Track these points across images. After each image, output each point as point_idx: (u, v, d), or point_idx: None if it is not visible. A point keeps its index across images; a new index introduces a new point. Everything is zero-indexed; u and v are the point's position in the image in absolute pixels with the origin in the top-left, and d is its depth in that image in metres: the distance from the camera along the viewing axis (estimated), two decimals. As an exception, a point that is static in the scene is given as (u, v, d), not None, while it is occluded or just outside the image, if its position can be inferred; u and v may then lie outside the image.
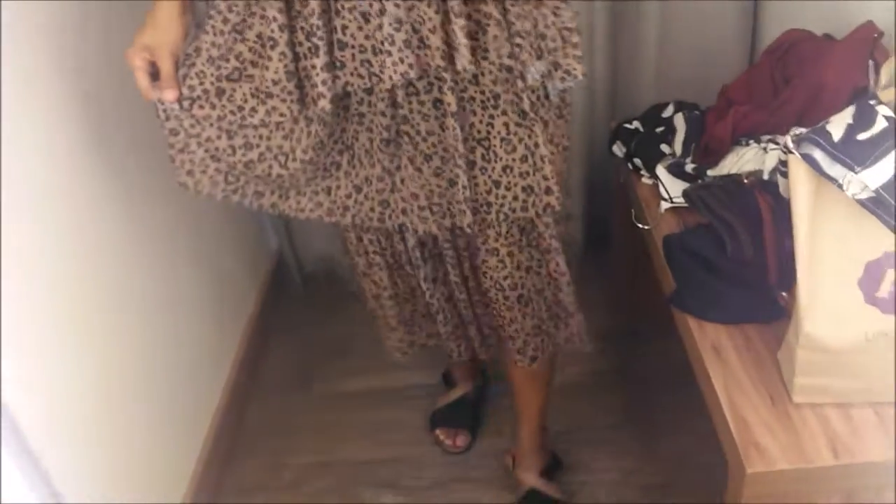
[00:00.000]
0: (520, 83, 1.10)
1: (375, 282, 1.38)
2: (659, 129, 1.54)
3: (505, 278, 1.26)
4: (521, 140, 1.14)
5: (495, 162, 1.15)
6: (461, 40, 1.03)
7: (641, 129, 1.58)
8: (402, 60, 1.02)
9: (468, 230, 1.20)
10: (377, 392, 1.83)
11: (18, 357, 1.07)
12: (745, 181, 1.25)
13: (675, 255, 1.19)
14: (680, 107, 1.57)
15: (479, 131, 1.14)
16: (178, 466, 1.52)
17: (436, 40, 1.03)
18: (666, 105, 1.60)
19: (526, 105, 1.12)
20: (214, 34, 1.09)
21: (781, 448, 0.98)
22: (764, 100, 1.37)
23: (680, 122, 1.50)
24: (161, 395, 1.47)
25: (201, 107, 1.12)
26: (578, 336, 1.37)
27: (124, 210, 1.38)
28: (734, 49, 1.79)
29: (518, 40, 1.08)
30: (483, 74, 1.09)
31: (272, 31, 1.05)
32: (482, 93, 1.11)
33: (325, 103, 1.06)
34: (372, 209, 1.22)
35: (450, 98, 1.08)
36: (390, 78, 1.04)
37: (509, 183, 1.16)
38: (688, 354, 1.18)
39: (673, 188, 1.40)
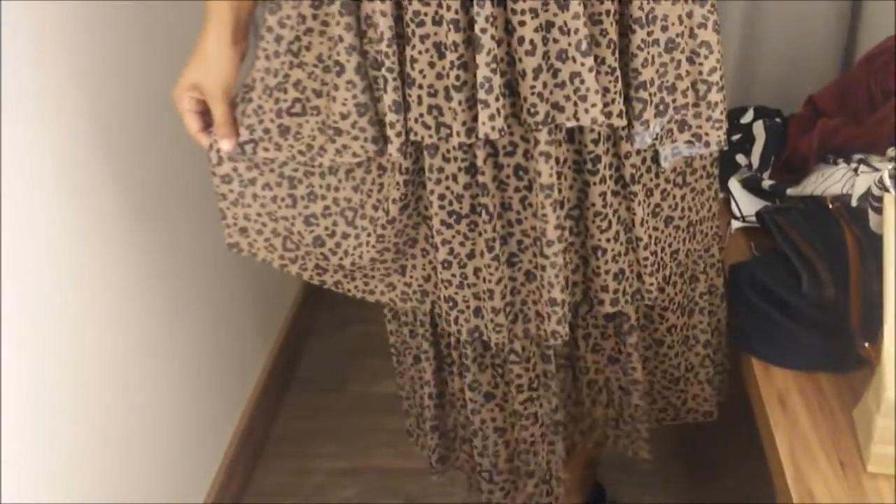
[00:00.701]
0: (625, 145, 0.88)
1: (421, 371, 1.14)
2: (735, 137, 1.40)
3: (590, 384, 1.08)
4: (615, 212, 0.92)
5: (587, 238, 0.94)
6: (592, 84, 0.80)
7: (715, 136, 1.43)
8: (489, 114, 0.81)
9: (553, 341, 0.96)
10: (413, 397, 1.74)
11: (27, 348, 1.01)
12: (830, 206, 1.11)
13: (742, 289, 1.05)
14: (760, 113, 1.43)
15: (568, 200, 0.91)
16: (203, 465, 1.46)
17: (525, 89, 0.81)
18: (745, 110, 1.46)
19: (627, 172, 0.90)
20: (267, 58, 0.90)
21: (850, 526, 0.85)
22: (857, 113, 1.21)
23: (759, 130, 1.36)
24: (191, 388, 1.41)
25: (266, 149, 0.94)
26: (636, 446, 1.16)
27: (161, 199, 1.31)
28: (826, 52, 1.62)
29: (641, 93, 0.85)
30: (581, 130, 0.87)
31: (338, 53, 0.85)
32: (578, 153, 0.89)
33: (393, 150, 0.86)
34: (445, 299, 0.98)
35: (541, 166, 0.85)
36: (458, 134, 0.83)
37: (598, 268, 0.95)
38: (749, 400, 1.05)
39: (746, 205, 1.26)
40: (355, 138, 0.89)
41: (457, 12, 0.78)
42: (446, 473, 1.23)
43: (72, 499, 1.09)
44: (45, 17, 1.05)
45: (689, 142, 0.91)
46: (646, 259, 0.95)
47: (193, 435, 1.43)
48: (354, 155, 0.90)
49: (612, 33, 0.81)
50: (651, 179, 0.94)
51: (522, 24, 0.79)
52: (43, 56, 1.05)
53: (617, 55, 0.82)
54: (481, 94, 0.80)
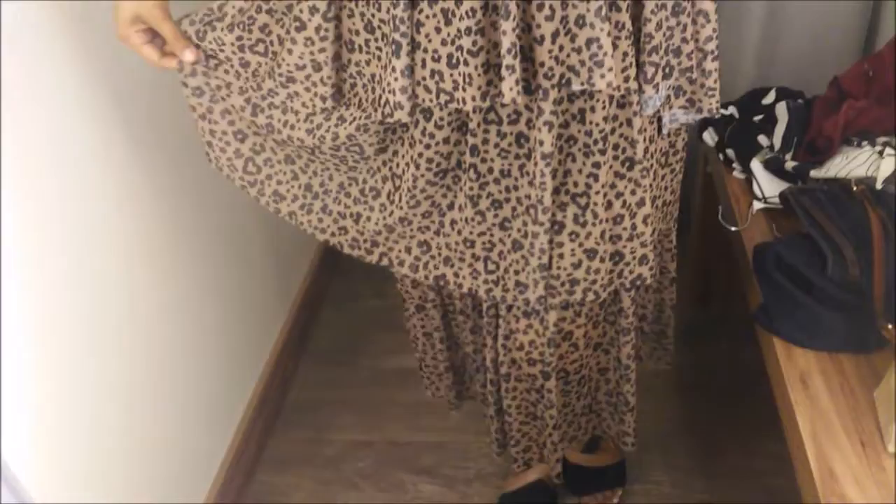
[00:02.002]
0: (637, 121, 0.89)
1: (429, 318, 1.21)
2: (757, 118, 1.39)
3: (573, 362, 1.09)
4: (619, 195, 0.94)
5: (592, 226, 0.93)
6: (609, 50, 0.80)
7: (737, 116, 1.43)
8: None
9: (538, 306, 1.00)
10: (426, 371, 1.74)
11: (39, 336, 1.01)
12: (854, 188, 1.11)
13: (767, 269, 1.05)
14: (783, 94, 1.42)
15: (575, 184, 0.92)
16: (217, 434, 1.47)
17: (543, 54, 0.81)
18: (767, 91, 1.45)
19: (639, 150, 0.91)
20: None
21: (870, 504, 0.86)
22: (884, 96, 1.21)
23: (782, 111, 1.35)
24: (205, 355, 1.41)
25: (226, 71, 0.97)
26: (632, 434, 1.21)
27: (178, 168, 1.31)
28: (848, 34, 1.61)
29: (653, 57, 0.85)
30: (594, 109, 0.87)
31: (301, 10, 0.88)
32: (588, 133, 0.89)
33: (402, 115, 0.86)
34: (408, 249, 1.03)
35: (543, 135, 0.86)
36: (462, 101, 0.83)
37: (603, 253, 0.96)
38: (769, 378, 1.06)
39: (768, 187, 1.25)
40: (307, 89, 0.94)
41: None
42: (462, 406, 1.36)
43: (92, 458, 1.11)
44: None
45: (684, 107, 0.92)
46: (651, 239, 0.98)
47: (210, 400, 1.44)
48: (304, 105, 0.94)
49: None
50: (651, 157, 0.96)
51: None
52: (73, 36, 1.05)
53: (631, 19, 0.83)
54: (508, 60, 0.81)
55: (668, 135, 0.99)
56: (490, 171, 0.93)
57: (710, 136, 1.43)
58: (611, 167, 0.92)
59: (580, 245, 0.95)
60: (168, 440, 1.30)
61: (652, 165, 0.97)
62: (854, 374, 0.99)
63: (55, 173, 1.02)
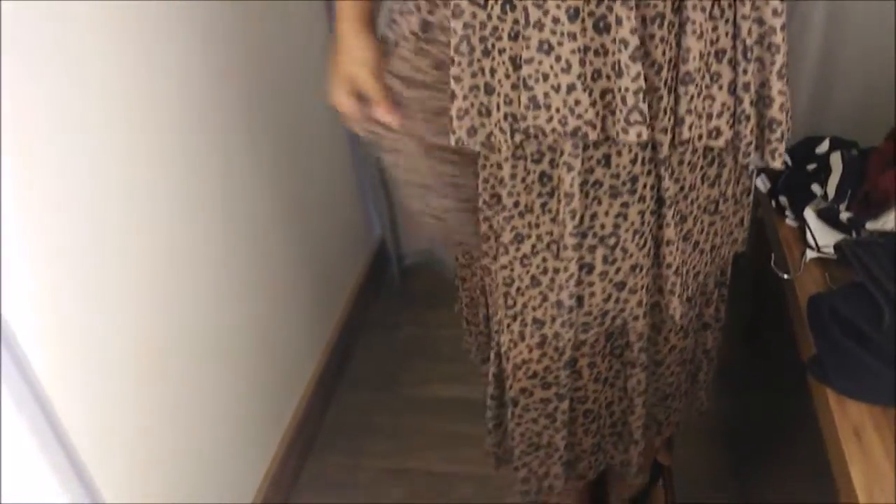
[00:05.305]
0: (663, 167, 0.91)
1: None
2: (811, 167, 1.40)
3: (577, 390, 1.11)
4: (651, 231, 0.97)
5: (622, 261, 0.96)
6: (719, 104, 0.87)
7: (790, 164, 1.43)
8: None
9: (557, 342, 1.03)
10: (463, 402, 1.74)
11: (81, 344, 1.03)
12: (911, 242, 1.10)
13: (822, 321, 1.05)
14: (837, 144, 1.42)
15: (602, 226, 0.94)
16: (255, 458, 1.48)
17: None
18: (821, 140, 1.45)
19: (669, 191, 0.93)
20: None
21: (928, 565, 0.85)
22: (944, 151, 1.21)
23: (836, 161, 1.35)
24: (245, 380, 1.43)
25: None
26: (634, 465, 1.20)
27: (226, 187, 1.33)
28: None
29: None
30: (620, 153, 0.88)
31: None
32: (615, 176, 0.90)
33: (507, 152, 0.89)
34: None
35: (563, 174, 0.88)
36: (554, 131, 0.84)
37: (633, 285, 0.99)
38: (822, 431, 1.05)
39: (822, 236, 1.25)
40: None
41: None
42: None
43: (143, 464, 1.12)
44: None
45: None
46: (673, 281, 0.98)
47: (247, 424, 1.45)
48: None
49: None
50: (687, 206, 0.95)
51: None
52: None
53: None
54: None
55: (718, 185, 0.98)
56: (516, 204, 0.93)
57: (762, 183, 1.43)
58: (644, 205, 0.92)
59: (610, 281, 0.96)
60: (200, 461, 1.31)
61: (691, 212, 0.96)
62: (908, 430, 0.98)
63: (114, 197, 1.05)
